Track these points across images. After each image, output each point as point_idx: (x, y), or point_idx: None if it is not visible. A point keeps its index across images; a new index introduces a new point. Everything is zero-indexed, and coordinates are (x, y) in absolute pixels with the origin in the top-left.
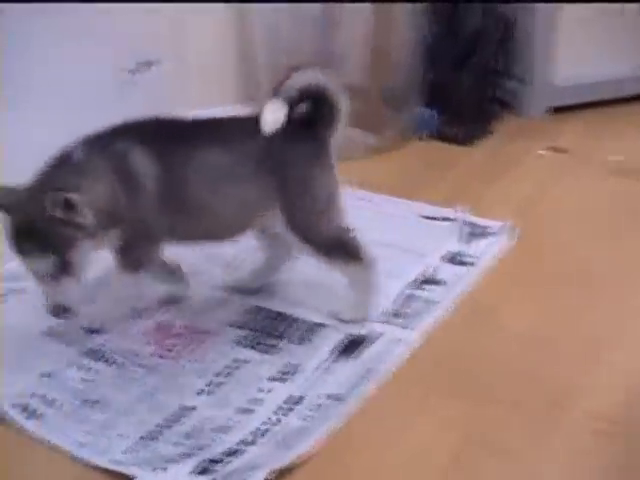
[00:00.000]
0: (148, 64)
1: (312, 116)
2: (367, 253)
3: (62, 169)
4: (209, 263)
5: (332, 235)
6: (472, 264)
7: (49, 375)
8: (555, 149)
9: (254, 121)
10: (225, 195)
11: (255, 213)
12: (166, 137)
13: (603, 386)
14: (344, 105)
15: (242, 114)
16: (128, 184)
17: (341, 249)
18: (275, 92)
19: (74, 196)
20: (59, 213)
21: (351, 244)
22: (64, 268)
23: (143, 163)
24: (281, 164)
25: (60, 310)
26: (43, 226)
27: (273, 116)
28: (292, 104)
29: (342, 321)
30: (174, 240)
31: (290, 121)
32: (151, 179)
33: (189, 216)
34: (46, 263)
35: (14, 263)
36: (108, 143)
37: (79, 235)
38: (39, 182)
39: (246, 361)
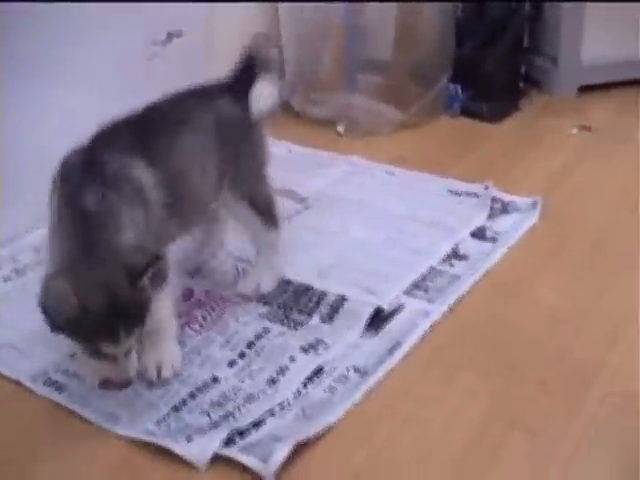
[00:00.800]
0: (177, 34)
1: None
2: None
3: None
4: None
5: (266, 197)
6: (498, 240)
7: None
8: (584, 127)
9: (204, 93)
10: (205, 173)
11: (221, 185)
12: (145, 136)
13: (629, 364)
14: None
15: (190, 88)
16: (142, 206)
17: (269, 213)
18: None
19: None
20: (152, 270)
21: (277, 211)
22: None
23: (143, 175)
24: (229, 130)
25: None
26: (134, 296)
27: (267, 92)
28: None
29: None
30: (174, 240)
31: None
32: (153, 188)
33: (185, 208)
34: (136, 336)
35: None
36: (105, 165)
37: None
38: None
39: (273, 332)
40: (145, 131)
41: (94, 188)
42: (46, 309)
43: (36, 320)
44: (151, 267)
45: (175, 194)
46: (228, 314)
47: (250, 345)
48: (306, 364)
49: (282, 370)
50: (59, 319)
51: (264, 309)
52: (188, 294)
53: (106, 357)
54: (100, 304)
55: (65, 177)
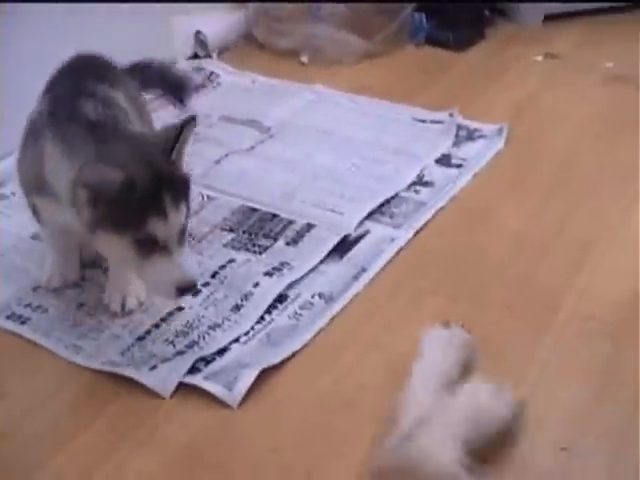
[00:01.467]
0: None
1: None
2: None
3: None
4: None
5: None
6: (464, 166)
7: (38, 287)
8: (549, 55)
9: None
10: None
11: None
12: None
13: (594, 287)
14: None
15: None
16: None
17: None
18: None
19: None
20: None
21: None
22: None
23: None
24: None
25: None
26: (172, 169)
27: None
28: None
29: None
30: None
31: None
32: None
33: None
34: (184, 216)
35: None
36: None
37: None
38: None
39: (238, 261)
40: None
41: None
42: (94, 190)
43: None
44: (180, 137)
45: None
46: (192, 249)
47: (214, 275)
48: (270, 288)
49: (246, 296)
50: (108, 199)
51: (229, 237)
52: None
53: (157, 252)
54: (144, 176)
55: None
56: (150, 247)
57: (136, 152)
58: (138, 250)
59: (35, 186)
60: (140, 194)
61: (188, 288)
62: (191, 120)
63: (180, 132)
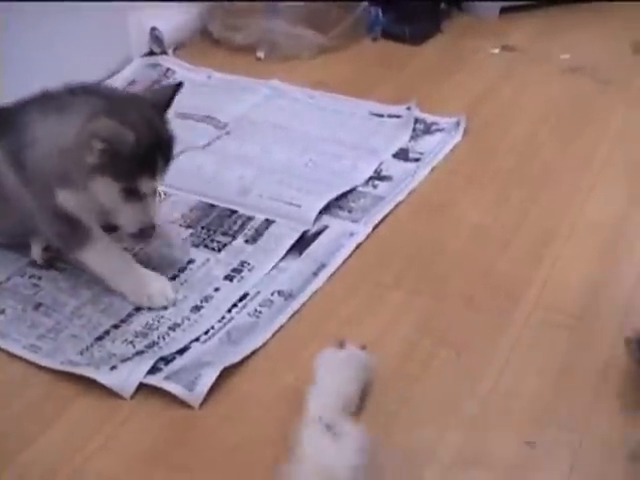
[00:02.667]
0: None
1: None
2: None
3: None
4: None
5: None
6: (422, 160)
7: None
8: (506, 48)
9: None
10: None
11: None
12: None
13: (555, 280)
14: None
15: None
16: None
17: None
18: None
19: None
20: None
21: None
22: None
23: None
24: None
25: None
26: (167, 130)
27: None
28: None
29: None
30: None
31: None
32: None
33: None
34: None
35: None
36: None
37: None
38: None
39: (197, 262)
40: None
41: None
42: (110, 145)
43: None
44: (174, 97)
45: None
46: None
47: (174, 277)
48: (230, 293)
49: (206, 298)
50: (116, 154)
51: (187, 232)
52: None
53: (136, 199)
54: (148, 136)
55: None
56: (132, 194)
57: (138, 112)
58: (123, 196)
59: (54, 178)
60: (141, 152)
61: (148, 230)
62: (180, 84)
63: (173, 94)
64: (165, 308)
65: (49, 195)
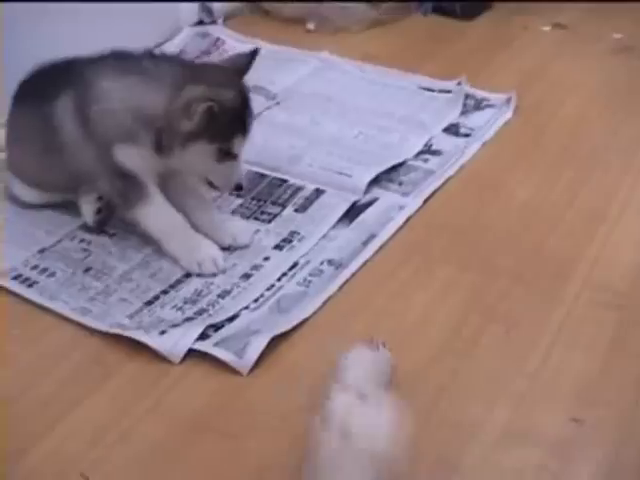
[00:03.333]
0: None
1: None
2: None
3: None
4: None
5: None
6: (472, 136)
7: (47, 249)
8: (558, 25)
9: None
10: None
11: None
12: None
13: (605, 259)
14: None
15: None
16: None
17: None
18: None
19: None
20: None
21: None
22: None
23: None
24: None
25: None
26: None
27: None
28: None
29: None
30: None
31: None
32: None
33: None
34: None
35: None
36: None
37: None
38: None
39: None
40: None
41: None
42: (216, 104)
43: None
44: (252, 63)
45: None
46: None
47: (227, 248)
48: (280, 262)
49: (256, 267)
50: (217, 114)
51: (237, 202)
52: None
53: (229, 158)
54: (239, 98)
55: None
56: (226, 155)
57: (223, 77)
58: (218, 157)
59: (117, 134)
60: (234, 112)
61: (241, 185)
62: (256, 50)
63: (251, 60)
64: (214, 275)
65: (109, 151)
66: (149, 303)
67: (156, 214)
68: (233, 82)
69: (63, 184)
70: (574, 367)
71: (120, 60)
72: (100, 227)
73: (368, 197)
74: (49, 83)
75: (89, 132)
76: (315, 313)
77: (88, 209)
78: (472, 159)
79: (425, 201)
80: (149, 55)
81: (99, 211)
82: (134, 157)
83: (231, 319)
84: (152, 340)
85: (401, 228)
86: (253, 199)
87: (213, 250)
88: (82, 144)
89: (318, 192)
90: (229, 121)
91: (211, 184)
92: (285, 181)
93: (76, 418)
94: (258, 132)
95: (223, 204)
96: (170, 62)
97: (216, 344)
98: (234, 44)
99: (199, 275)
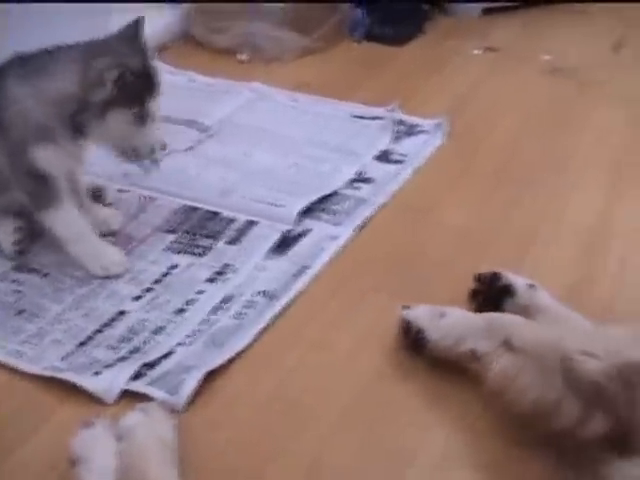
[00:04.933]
0: None
1: None
2: None
3: None
4: None
5: None
6: (404, 162)
7: None
8: (489, 48)
9: None
10: None
11: None
12: None
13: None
14: None
15: None
16: None
17: None
18: None
19: None
20: None
21: None
22: None
23: None
24: None
25: None
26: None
27: None
28: None
29: None
30: None
31: None
32: None
33: None
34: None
35: None
36: None
37: None
38: None
39: (181, 267)
40: None
41: None
42: (125, 71)
43: None
44: (140, 29)
45: None
46: (134, 255)
47: (157, 282)
48: (213, 295)
49: (189, 302)
50: (128, 80)
51: (170, 238)
52: None
53: (146, 121)
54: (143, 61)
55: None
56: (142, 118)
57: (122, 46)
58: (136, 121)
59: (33, 134)
60: (144, 76)
61: (165, 144)
62: (141, 18)
63: (137, 26)
64: (117, 276)
65: (24, 153)
66: (83, 344)
67: (65, 220)
68: (134, 49)
69: None
70: None
71: (23, 62)
72: (20, 257)
73: (301, 228)
74: None
75: (3, 137)
76: (250, 346)
77: (6, 240)
78: (404, 186)
79: (358, 230)
80: (47, 51)
81: (19, 242)
82: (49, 157)
83: (166, 356)
84: (86, 382)
85: (334, 258)
86: (186, 233)
87: (118, 256)
88: None
89: (250, 224)
90: (140, 84)
91: (135, 153)
92: (217, 214)
93: (19, 459)
94: (191, 165)
95: (156, 242)
96: (69, 48)
97: (150, 383)
98: (166, 77)
99: (106, 277)
